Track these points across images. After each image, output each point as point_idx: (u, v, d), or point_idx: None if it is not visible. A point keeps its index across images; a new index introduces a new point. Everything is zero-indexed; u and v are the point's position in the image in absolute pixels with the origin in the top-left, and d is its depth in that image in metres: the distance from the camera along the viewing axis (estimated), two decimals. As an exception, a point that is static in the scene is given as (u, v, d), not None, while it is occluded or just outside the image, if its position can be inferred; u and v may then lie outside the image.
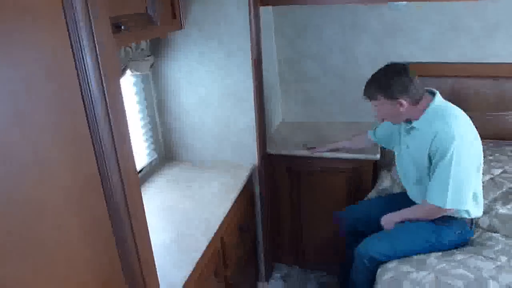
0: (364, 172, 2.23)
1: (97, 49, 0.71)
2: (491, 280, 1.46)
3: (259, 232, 2.29)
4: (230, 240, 1.79)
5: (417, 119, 1.67)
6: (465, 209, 1.64)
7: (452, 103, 1.69)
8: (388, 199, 2.03)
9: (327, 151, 2.22)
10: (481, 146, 1.65)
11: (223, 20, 1.81)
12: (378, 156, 2.19)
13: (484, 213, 1.78)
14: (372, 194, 2.16)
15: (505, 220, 1.77)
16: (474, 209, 1.68)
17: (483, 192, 1.73)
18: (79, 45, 0.67)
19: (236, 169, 2.04)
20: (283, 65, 2.63)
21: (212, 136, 2.09)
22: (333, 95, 2.64)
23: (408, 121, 1.71)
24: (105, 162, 0.75)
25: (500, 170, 2.10)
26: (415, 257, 1.65)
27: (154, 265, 0.97)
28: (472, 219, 1.72)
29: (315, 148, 2.23)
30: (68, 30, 0.66)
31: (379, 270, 1.69)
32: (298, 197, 2.42)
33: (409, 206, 1.83)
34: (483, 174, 1.77)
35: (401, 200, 1.93)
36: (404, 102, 1.61)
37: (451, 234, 1.69)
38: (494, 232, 1.75)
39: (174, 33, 1.85)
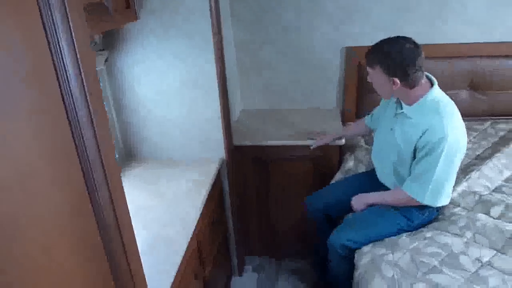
0: (331, 157, 2.25)
1: (76, 47, 0.61)
2: (462, 255, 1.52)
3: (230, 226, 2.25)
4: (206, 237, 1.73)
5: (409, 104, 1.62)
6: (439, 205, 1.66)
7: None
8: (353, 178, 2.05)
9: (330, 141, 2.17)
10: (466, 144, 1.62)
11: (182, 8, 1.71)
12: (343, 141, 2.22)
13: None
14: (337, 176, 2.18)
15: (464, 195, 1.85)
16: (446, 199, 1.68)
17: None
18: (57, 44, 0.58)
19: (203, 163, 1.97)
20: (241, 52, 2.57)
21: (176, 130, 1.99)
22: (293, 81, 2.62)
23: (399, 103, 1.68)
24: (91, 172, 0.66)
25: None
26: (386, 239, 1.68)
27: (144, 278, 0.90)
28: None
29: (316, 139, 2.18)
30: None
31: (356, 255, 1.70)
32: (267, 187, 2.40)
33: (375, 185, 1.86)
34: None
35: (367, 179, 1.97)
36: (398, 82, 1.55)
37: (420, 216, 1.72)
38: (456, 206, 1.82)
39: (129, 25, 1.73)
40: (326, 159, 2.26)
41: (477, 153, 2.18)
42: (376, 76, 1.61)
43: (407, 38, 1.54)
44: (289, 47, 2.52)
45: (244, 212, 2.45)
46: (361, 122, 2.14)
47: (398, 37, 1.55)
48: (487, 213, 1.72)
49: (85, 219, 0.67)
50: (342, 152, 2.33)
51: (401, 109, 1.65)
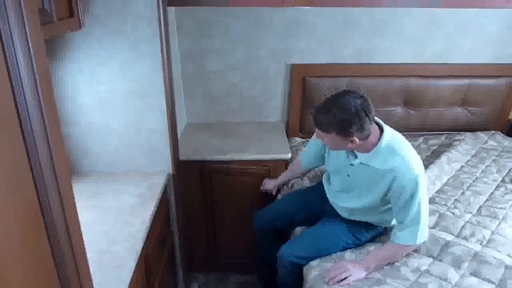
0: (277, 172, 2.28)
1: (30, 49, 0.57)
2: (402, 267, 1.60)
3: (176, 242, 2.18)
4: (154, 255, 1.67)
5: (365, 152, 1.57)
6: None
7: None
8: (300, 193, 2.07)
9: (275, 187, 2.22)
10: None
11: (130, 17, 1.66)
12: (289, 155, 2.26)
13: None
14: (284, 191, 2.22)
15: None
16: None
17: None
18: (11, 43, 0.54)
19: (149, 177, 1.90)
20: (186, 63, 2.53)
21: (120, 143, 1.90)
22: (238, 93, 2.63)
23: (351, 152, 1.62)
24: (45, 186, 0.61)
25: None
26: (333, 255, 1.72)
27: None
28: None
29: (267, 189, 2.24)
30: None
31: (304, 269, 1.73)
32: (212, 202, 2.38)
33: (322, 198, 1.87)
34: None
35: (313, 193, 2.00)
36: (356, 140, 1.48)
37: (367, 235, 1.76)
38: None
39: (73, 33, 1.64)
40: (273, 174, 2.28)
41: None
42: (331, 138, 1.52)
43: (355, 92, 1.47)
44: (236, 59, 2.53)
45: (190, 228, 2.39)
46: (297, 166, 2.11)
47: (346, 94, 1.46)
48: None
49: (39, 239, 0.61)
50: (288, 166, 2.37)
51: (356, 157, 1.61)
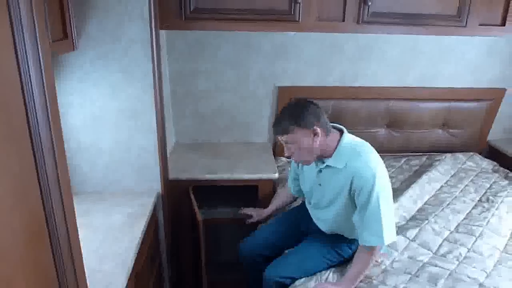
0: (265, 190, 2.31)
1: (41, 64, 0.61)
2: (380, 285, 1.62)
3: (164, 262, 2.18)
4: (144, 273, 1.67)
5: (329, 156, 1.65)
6: (395, 239, 1.65)
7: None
8: (283, 217, 2.06)
9: (265, 216, 2.18)
10: None
11: (124, 39, 1.71)
12: (277, 175, 2.31)
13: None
14: (269, 209, 2.23)
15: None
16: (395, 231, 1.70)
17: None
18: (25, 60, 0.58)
19: (139, 196, 1.91)
20: (175, 84, 2.59)
21: (110, 162, 1.92)
22: (227, 114, 2.69)
23: (320, 159, 1.69)
24: (50, 196, 0.64)
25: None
26: (318, 274, 1.74)
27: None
28: None
29: (251, 216, 2.18)
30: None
31: None
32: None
33: (306, 218, 1.90)
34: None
35: (298, 213, 2.01)
36: (318, 130, 1.57)
37: (349, 251, 1.79)
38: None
39: (66, 54, 1.68)
40: (261, 192, 2.32)
41: (395, 186, 2.40)
42: (296, 140, 1.60)
43: (296, 97, 1.63)
44: (225, 81, 2.60)
45: (178, 247, 2.39)
46: (285, 194, 2.16)
47: (291, 101, 1.65)
48: (404, 235, 1.91)
49: (41, 249, 0.64)
50: (275, 184, 2.41)
51: (323, 164, 1.68)
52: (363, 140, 1.69)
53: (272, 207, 2.18)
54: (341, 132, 1.68)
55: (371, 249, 1.59)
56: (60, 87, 1.76)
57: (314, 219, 1.88)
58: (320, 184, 1.74)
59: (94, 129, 1.86)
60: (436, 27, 2.07)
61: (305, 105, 1.60)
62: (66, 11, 1.42)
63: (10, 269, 0.56)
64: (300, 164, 1.85)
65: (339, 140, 1.64)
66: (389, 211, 1.58)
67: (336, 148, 1.64)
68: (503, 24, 2.11)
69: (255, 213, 2.18)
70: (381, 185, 1.54)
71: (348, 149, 1.62)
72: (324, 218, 1.81)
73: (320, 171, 1.71)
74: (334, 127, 1.69)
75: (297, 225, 1.98)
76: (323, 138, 1.61)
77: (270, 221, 2.11)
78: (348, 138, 1.66)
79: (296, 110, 1.60)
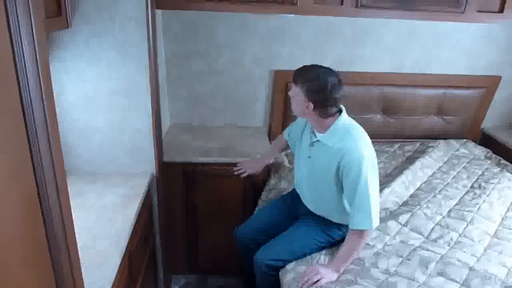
0: (258, 174, 2.31)
1: (34, 40, 0.60)
2: (372, 268, 1.65)
3: (157, 243, 2.19)
4: (137, 253, 1.68)
5: (322, 132, 1.69)
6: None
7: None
8: (277, 203, 2.08)
9: (261, 167, 2.18)
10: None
11: (118, 17, 1.68)
12: (272, 160, 2.30)
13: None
14: (264, 195, 2.26)
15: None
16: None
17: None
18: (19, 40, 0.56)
19: (133, 177, 1.91)
20: (171, 65, 2.56)
21: (104, 142, 1.91)
22: (222, 96, 2.68)
23: (312, 132, 1.74)
24: (44, 177, 0.64)
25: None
26: (308, 257, 1.76)
27: (85, 291, 0.86)
28: None
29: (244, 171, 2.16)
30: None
31: (280, 272, 1.76)
32: (194, 204, 2.39)
33: (298, 203, 1.92)
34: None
35: (289, 197, 2.04)
36: (311, 107, 1.62)
37: (339, 233, 1.81)
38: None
39: (60, 32, 1.65)
40: (254, 176, 2.32)
41: (388, 171, 2.41)
42: (295, 92, 1.65)
43: (335, 72, 1.62)
44: (221, 63, 2.57)
45: (171, 229, 2.40)
46: (282, 139, 2.18)
47: (329, 69, 1.62)
48: (396, 220, 1.92)
49: (36, 224, 0.64)
50: (270, 168, 2.41)
51: (316, 137, 1.72)
52: (357, 124, 1.70)
53: (266, 157, 2.19)
54: (340, 111, 1.70)
55: (361, 232, 1.61)
56: (54, 66, 1.74)
57: (301, 198, 1.92)
58: (309, 157, 1.77)
59: (88, 109, 1.84)
60: (435, 13, 2.05)
61: (326, 84, 1.57)
62: (60, -13, 1.39)
63: (6, 242, 0.56)
64: (302, 132, 1.87)
65: (336, 119, 1.67)
66: (376, 195, 1.61)
67: (330, 126, 1.67)
68: (501, 11, 2.10)
69: (247, 165, 2.17)
70: (369, 168, 1.57)
71: (341, 129, 1.65)
72: (309, 197, 1.84)
73: (312, 144, 1.74)
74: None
75: (289, 207, 1.99)
76: (316, 117, 1.66)
77: (265, 207, 2.13)
78: (344, 119, 1.68)
79: (318, 79, 1.58)
